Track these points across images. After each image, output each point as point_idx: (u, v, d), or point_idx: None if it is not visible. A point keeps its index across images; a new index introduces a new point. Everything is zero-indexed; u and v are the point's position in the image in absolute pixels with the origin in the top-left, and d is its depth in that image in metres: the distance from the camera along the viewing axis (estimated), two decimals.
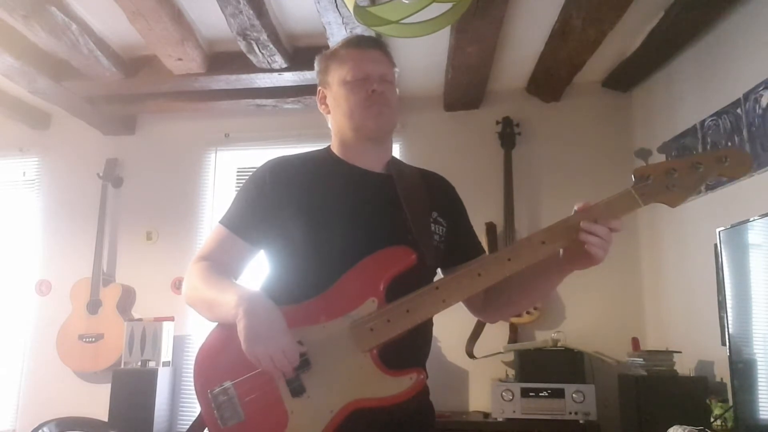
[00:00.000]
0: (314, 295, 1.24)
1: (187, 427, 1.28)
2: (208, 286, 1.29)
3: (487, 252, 1.49)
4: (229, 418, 1.20)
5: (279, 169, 1.38)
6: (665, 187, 1.19)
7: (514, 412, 3.00)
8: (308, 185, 1.35)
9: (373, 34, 2.63)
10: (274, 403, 1.19)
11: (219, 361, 1.25)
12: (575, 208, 1.22)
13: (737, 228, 2.14)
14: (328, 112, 1.44)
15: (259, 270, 1.41)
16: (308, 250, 1.29)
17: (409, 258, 1.24)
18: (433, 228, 1.35)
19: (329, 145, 1.45)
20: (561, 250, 1.23)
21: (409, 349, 1.27)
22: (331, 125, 1.45)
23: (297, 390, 1.19)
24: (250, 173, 1.41)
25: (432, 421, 1.37)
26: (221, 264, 1.34)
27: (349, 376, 1.19)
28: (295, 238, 1.31)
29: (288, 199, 1.33)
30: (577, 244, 1.19)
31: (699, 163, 1.18)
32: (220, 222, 1.39)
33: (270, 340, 1.14)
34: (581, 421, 2.94)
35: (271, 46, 2.99)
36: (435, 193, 1.42)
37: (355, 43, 1.41)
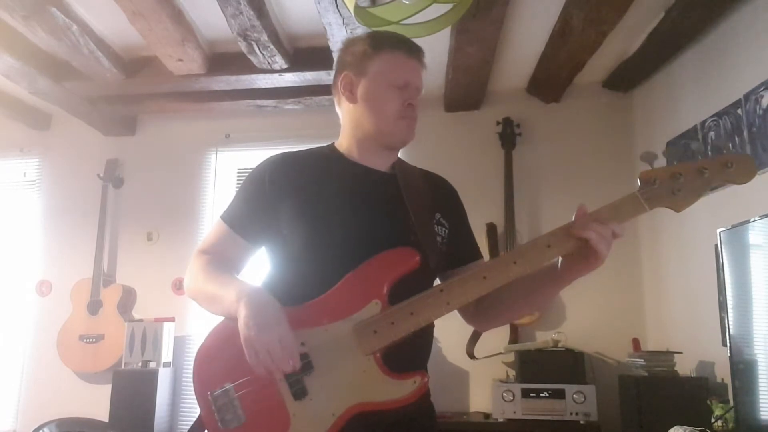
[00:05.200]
0: (316, 295, 1.23)
1: (187, 428, 1.27)
2: (210, 280, 1.28)
3: (486, 255, 1.48)
4: (230, 421, 1.19)
5: (280, 166, 1.36)
6: (671, 191, 1.18)
7: (514, 412, 3.00)
8: (310, 183, 1.33)
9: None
10: (275, 406, 1.18)
11: (219, 361, 1.24)
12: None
13: (738, 228, 2.14)
14: (353, 101, 1.36)
15: (260, 267, 1.40)
16: (310, 250, 1.28)
17: (413, 260, 1.23)
18: (436, 229, 1.34)
19: (333, 143, 1.43)
20: (560, 259, 1.21)
21: (412, 352, 1.26)
22: (347, 114, 1.39)
23: (299, 393, 1.18)
24: (251, 169, 1.39)
25: (433, 422, 1.36)
26: (222, 259, 1.34)
27: (352, 380, 1.18)
28: (296, 236, 1.29)
29: (289, 197, 1.31)
30: (579, 248, 1.17)
31: (704, 167, 1.18)
32: (220, 217, 1.37)
33: (266, 329, 1.13)
34: (582, 422, 2.94)
35: (272, 46, 2.99)
36: (438, 195, 1.41)
37: (407, 48, 1.36)
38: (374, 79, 1.34)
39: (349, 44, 1.41)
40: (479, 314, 1.40)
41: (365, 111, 1.35)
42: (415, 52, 1.37)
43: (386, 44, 1.36)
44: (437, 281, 1.37)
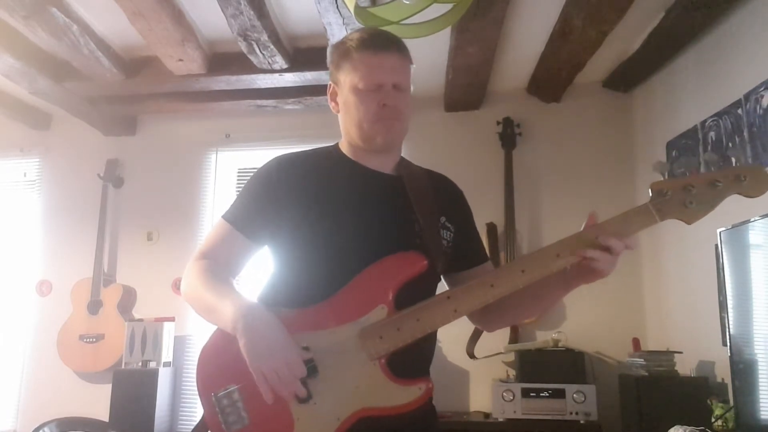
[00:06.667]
0: (322, 298, 1.22)
1: (188, 428, 1.27)
2: (207, 289, 1.25)
3: (488, 254, 1.48)
4: (234, 423, 1.18)
5: (286, 166, 1.34)
6: (683, 203, 1.18)
7: (514, 412, 3.00)
8: (316, 184, 1.32)
9: None
10: (279, 409, 1.17)
11: (223, 363, 1.22)
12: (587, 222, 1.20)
13: (738, 228, 2.14)
14: (338, 112, 1.37)
15: (261, 268, 1.39)
16: (316, 252, 1.27)
17: (420, 264, 1.22)
18: (442, 233, 1.33)
19: (337, 143, 1.42)
20: (569, 265, 1.21)
21: (416, 357, 1.26)
22: (340, 124, 1.39)
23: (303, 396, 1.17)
24: (256, 169, 1.37)
25: (435, 424, 1.36)
26: (222, 261, 1.31)
27: (357, 384, 1.17)
28: (302, 237, 1.28)
29: (295, 198, 1.30)
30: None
31: (717, 180, 1.18)
32: (222, 217, 1.35)
33: (273, 355, 1.11)
34: (582, 422, 2.95)
35: (272, 46, 2.99)
36: (443, 197, 1.40)
37: (370, 45, 1.30)
38: (345, 89, 1.33)
39: (331, 50, 1.40)
40: (485, 316, 1.40)
41: (346, 120, 1.35)
42: (384, 47, 1.30)
43: (353, 48, 1.31)
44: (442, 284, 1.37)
